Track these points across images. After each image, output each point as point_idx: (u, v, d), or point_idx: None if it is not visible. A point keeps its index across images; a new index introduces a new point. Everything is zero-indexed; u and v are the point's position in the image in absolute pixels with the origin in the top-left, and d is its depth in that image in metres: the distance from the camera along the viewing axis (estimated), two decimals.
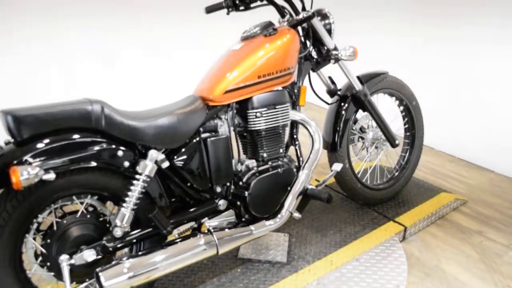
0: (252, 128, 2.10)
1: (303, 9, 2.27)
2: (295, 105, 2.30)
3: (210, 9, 2.38)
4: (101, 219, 1.85)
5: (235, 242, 2.01)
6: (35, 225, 1.73)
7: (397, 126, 2.83)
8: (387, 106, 2.81)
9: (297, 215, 2.20)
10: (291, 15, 2.28)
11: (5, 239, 1.63)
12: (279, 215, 2.16)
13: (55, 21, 3.53)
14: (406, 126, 2.89)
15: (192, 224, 2.03)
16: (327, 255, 2.34)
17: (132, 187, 1.78)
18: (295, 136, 2.34)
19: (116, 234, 1.78)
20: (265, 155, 2.16)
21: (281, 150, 2.22)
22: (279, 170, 2.17)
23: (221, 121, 2.07)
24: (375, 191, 2.76)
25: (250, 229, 2.06)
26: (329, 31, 2.35)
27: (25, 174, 1.49)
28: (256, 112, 2.08)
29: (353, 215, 2.69)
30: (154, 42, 4.08)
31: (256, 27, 2.19)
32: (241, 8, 2.31)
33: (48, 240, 1.74)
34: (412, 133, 2.89)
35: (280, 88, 2.17)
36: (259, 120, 2.09)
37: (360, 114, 2.66)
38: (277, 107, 2.14)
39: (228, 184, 2.09)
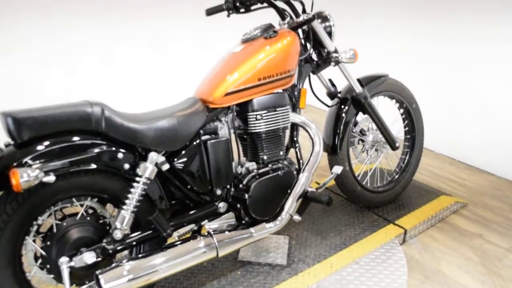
0: (252, 131, 2.10)
1: (304, 11, 2.27)
2: (295, 107, 2.30)
3: (210, 12, 2.38)
4: (101, 221, 1.85)
5: (235, 244, 2.01)
6: (35, 227, 1.72)
7: (397, 128, 2.84)
8: (388, 109, 2.81)
9: (297, 217, 2.20)
10: (291, 17, 2.28)
11: (5, 242, 1.62)
12: (279, 218, 2.16)
13: (54, 18, 3.52)
14: (406, 128, 2.89)
15: (192, 226, 2.02)
16: (327, 258, 2.33)
17: (132, 190, 1.78)
18: (295, 139, 2.34)
19: (116, 237, 1.78)
20: (265, 157, 2.16)
21: (281, 153, 2.22)
22: (279, 172, 2.17)
23: (221, 123, 2.07)
24: (375, 194, 2.76)
25: (250, 232, 2.06)
26: (330, 34, 2.36)
27: (25, 176, 1.49)
28: (256, 115, 2.08)
29: (353, 217, 2.69)
30: (156, 42, 4.09)
31: (257, 29, 2.19)
32: (242, 10, 2.32)
33: (48, 242, 1.74)
34: (412, 135, 2.89)
35: (280, 90, 2.16)
36: (260, 123, 2.09)
37: (360, 116, 2.66)
38: (277, 109, 2.14)
39: (228, 186, 2.09)
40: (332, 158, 2.57)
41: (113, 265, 1.77)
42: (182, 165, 1.93)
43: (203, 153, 1.98)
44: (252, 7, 2.30)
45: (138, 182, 1.78)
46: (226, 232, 2.01)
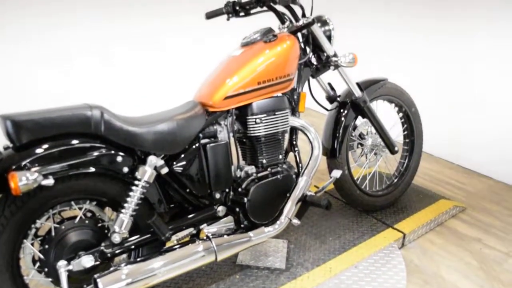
0: (252, 134, 2.10)
1: (303, 15, 2.27)
2: (294, 111, 2.30)
3: (210, 15, 2.38)
4: (99, 225, 1.84)
5: (233, 248, 2.00)
6: (33, 231, 1.72)
7: (396, 132, 2.84)
8: (387, 113, 2.82)
9: (296, 221, 2.20)
10: (291, 21, 2.28)
11: (3, 245, 1.62)
12: (278, 222, 2.15)
13: (54, 16, 3.53)
14: (405, 132, 2.89)
15: (191, 230, 2.02)
16: (326, 262, 2.33)
17: (131, 193, 1.78)
18: (294, 142, 2.34)
19: (114, 240, 1.77)
20: (264, 161, 2.16)
21: (280, 156, 2.21)
22: (278, 176, 2.17)
23: (220, 127, 2.07)
24: (374, 198, 2.75)
25: (249, 236, 2.06)
26: (329, 38, 2.36)
27: (23, 180, 1.49)
28: (255, 118, 2.08)
29: (352, 221, 2.69)
30: (155, 45, 4.09)
31: (256, 33, 2.19)
32: (241, 14, 2.32)
33: (46, 246, 1.74)
34: (411, 139, 2.89)
35: (279, 94, 2.17)
36: (259, 126, 2.09)
37: (360, 120, 2.66)
38: (276, 113, 2.14)
39: (227, 190, 2.09)
40: (331, 162, 2.57)
41: (112, 268, 1.76)
42: (181, 168, 1.92)
43: (202, 156, 1.98)
44: (252, 11, 2.30)
45: (137, 185, 1.78)
46: (225, 236, 2.01)
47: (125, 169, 1.76)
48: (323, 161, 2.40)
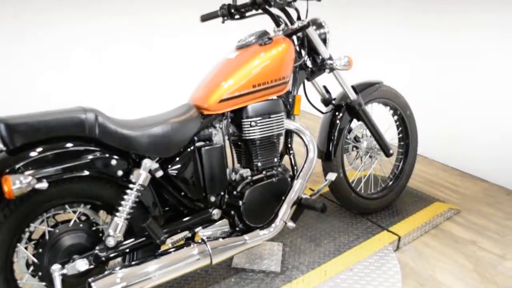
0: (247, 137, 2.10)
1: (298, 18, 2.27)
2: (289, 114, 2.30)
3: (205, 18, 2.38)
4: (94, 228, 1.83)
5: (229, 251, 2.00)
6: (26, 234, 1.71)
7: (391, 135, 2.85)
8: (382, 116, 2.82)
9: (291, 224, 2.20)
10: (286, 24, 2.28)
11: None
12: (273, 225, 2.15)
13: (47, 14, 3.51)
14: (400, 135, 2.90)
15: (186, 233, 2.01)
16: (321, 264, 2.33)
17: (125, 196, 1.77)
18: (289, 145, 2.34)
19: (108, 244, 1.76)
20: (259, 164, 2.16)
21: (275, 159, 2.21)
22: (274, 179, 2.16)
23: (215, 130, 2.07)
24: (369, 201, 2.76)
25: (244, 239, 2.05)
26: (324, 41, 2.36)
27: (17, 183, 1.48)
28: (250, 121, 2.08)
29: (347, 224, 2.69)
30: (150, 48, 4.08)
31: (251, 36, 2.19)
32: (236, 17, 2.32)
33: (40, 250, 1.72)
34: (406, 142, 2.90)
35: (275, 97, 2.16)
36: (254, 129, 2.09)
37: (355, 123, 2.66)
38: (271, 116, 2.14)
39: (222, 193, 2.08)
40: (326, 164, 2.57)
41: (106, 272, 1.75)
42: (176, 171, 1.92)
43: (197, 159, 1.97)
44: (247, 14, 2.30)
45: (131, 189, 1.77)
46: (220, 239, 2.00)
47: (120, 173, 1.75)
48: (318, 164, 2.40)
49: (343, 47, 2.85)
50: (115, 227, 1.76)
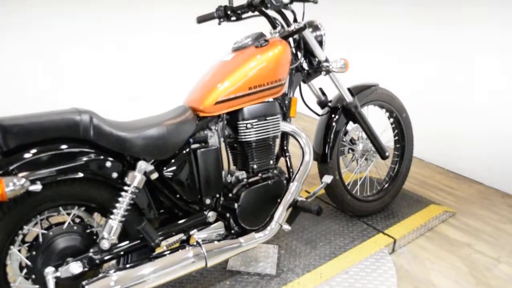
0: (243, 139, 2.09)
1: (295, 20, 2.27)
2: (285, 116, 2.29)
3: (201, 19, 2.37)
4: (88, 230, 1.82)
5: (224, 254, 1.99)
6: (20, 237, 1.70)
7: (387, 138, 2.84)
8: (378, 118, 2.82)
9: (287, 227, 2.19)
10: (282, 26, 2.27)
11: None
12: (268, 227, 2.14)
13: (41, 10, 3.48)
14: (396, 138, 2.90)
15: (181, 236, 2.00)
16: (317, 267, 2.32)
17: (120, 199, 1.76)
18: (285, 148, 2.33)
19: (103, 247, 1.75)
20: (255, 166, 2.15)
21: (271, 162, 2.21)
22: (269, 182, 2.16)
23: (211, 132, 2.06)
24: (365, 203, 2.75)
25: (239, 242, 2.04)
26: (320, 43, 2.36)
27: (10, 185, 1.47)
28: (246, 123, 2.07)
29: (342, 227, 2.69)
30: (146, 49, 4.07)
31: (248, 38, 2.18)
32: (233, 18, 2.31)
33: (34, 252, 1.71)
34: (402, 145, 2.90)
35: (271, 99, 2.16)
36: (250, 132, 2.08)
37: (351, 125, 2.66)
38: (267, 118, 2.13)
39: (217, 195, 2.07)
40: (322, 167, 2.57)
41: (100, 275, 1.74)
42: (171, 174, 1.91)
43: (192, 162, 1.96)
44: (243, 16, 2.29)
45: (126, 191, 1.76)
46: (215, 242, 1.99)
47: (114, 175, 1.74)
48: (314, 166, 2.40)
49: (338, 50, 2.84)
50: (109, 230, 1.75)
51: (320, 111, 2.63)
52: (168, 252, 1.90)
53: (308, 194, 2.32)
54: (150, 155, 1.84)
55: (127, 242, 1.85)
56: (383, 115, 2.85)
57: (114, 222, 1.75)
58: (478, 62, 3.31)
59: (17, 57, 3.44)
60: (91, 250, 1.77)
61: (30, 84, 3.52)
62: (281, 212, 2.18)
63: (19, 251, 1.71)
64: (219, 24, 2.35)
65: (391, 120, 2.86)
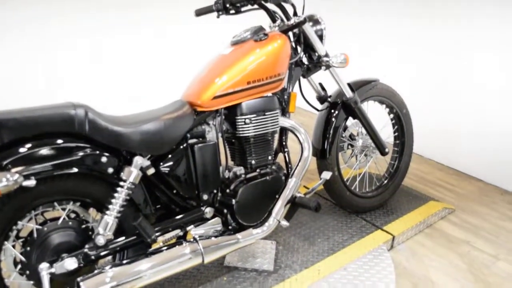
0: (241, 135, 2.07)
1: (295, 14, 2.24)
2: (284, 111, 2.27)
3: (199, 12, 2.34)
4: (83, 226, 1.80)
5: (221, 250, 1.97)
6: (14, 232, 1.67)
7: (387, 133, 2.82)
8: (378, 114, 2.80)
9: (285, 223, 2.17)
10: (282, 20, 2.24)
11: None
12: (266, 224, 2.12)
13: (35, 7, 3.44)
14: (396, 134, 2.88)
15: (178, 232, 1.98)
16: (315, 263, 2.30)
17: (116, 194, 1.74)
18: (284, 143, 2.31)
19: (98, 243, 1.73)
20: (253, 162, 2.13)
21: (269, 157, 2.18)
22: (267, 177, 2.14)
23: (209, 127, 2.03)
24: (364, 199, 2.74)
25: (236, 238, 2.02)
26: (321, 37, 2.33)
27: (4, 181, 1.44)
28: (245, 119, 2.04)
29: (341, 223, 2.67)
30: (144, 42, 4.03)
31: (247, 31, 2.15)
32: (232, 12, 2.28)
33: (28, 248, 1.69)
34: (401, 141, 2.88)
35: (270, 94, 2.13)
36: (248, 127, 2.06)
37: (350, 121, 2.63)
38: (266, 113, 2.11)
39: (215, 191, 2.05)
40: (321, 162, 2.55)
41: (96, 271, 1.72)
42: (168, 169, 1.88)
43: (189, 157, 1.94)
44: (243, 9, 2.26)
45: (122, 186, 1.74)
46: (212, 238, 1.97)
47: (110, 170, 1.72)
48: (313, 161, 2.37)
49: (339, 45, 2.81)
50: (105, 226, 1.73)
51: (319, 106, 2.61)
52: (165, 248, 1.88)
53: (306, 190, 2.30)
54: (147, 150, 1.81)
55: (123, 238, 1.83)
56: (383, 111, 2.82)
57: (110, 218, 1.73)
58: (479, 58, 3.29)
59: (16, 55, 3.40)
60: (87, 246, 1.74)
61: (28, 81, 3.49)
62: (279, 208, 2.16)
63: (14, 246, 1.68)
64: (218, 17, 2.31)
65: (391, 115, 2.83)
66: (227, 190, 2.07)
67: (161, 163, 1.87)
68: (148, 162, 1.79)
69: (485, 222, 2.84)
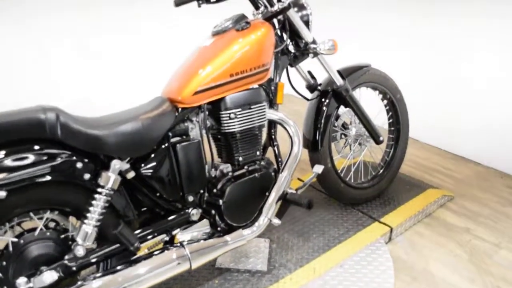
0: (226, 130, 1.96)
1: (279, 0, 2.11)
2: (272, 103, 2.15)
3: (179, 2, 2.20)
4: (62, 236, 1.69)
5: (209, 255, 1.88)
6: None
7: (381, 120, 2.71)
8: (371, 100, 2.69)
9: (276, 221, 2.07)
10: (265, 6, 2.12)
11: None
12: (256, 223, 2.03)
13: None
14: (391, 120, 2.77)
15: (163, 236, 1.88)
16: (310, 261, 2.21)
17: (94, 202, 1.63)
18: (273, 137, 2.20)
19: (77, 253, 1.63)
20: (240, 158, 2.02)
21: (258, 153, 2.08)
22: (256, 174, 2.03)
23: (192, 124, 1.92)
24: (359, 190, 2.64)
25: (225, 240, 1.93)
26: (307, 23, 2.20)
27: None
28: (229, 113, 1.93)
29: (336, 216, 2.57)
30: (120, 34, 3.85)
31: (228, 20, 2.03)
32: (213, 0, 2.15)
33: (4, 262, 1.58)
34: (397, 128, 2.77)
35: (255, 86, 2.02)
36: (233, 122, 1.94)
37: (342, 109, 2.53)
38: (252, 107, 1.99)
39: (201, 191, 1.95)
40: (313, 154, 2.44)
41: (78, 283, 1.64)
42: (150, 171, 1.78)
43: (172, 157, 1.83)
44: None
45: (100, 193, 1.63)
46: (200, 242, 1.88)
47: (86, 176, 1.61)
48: (305, 152, 2.27)
49: (328, 30, 2.69)
50: (83, 236, 1.62)
51: (309, 95, 2.50)
52: (150, 255, 1.79)
53: (299, 185, 2.20)
54: (125, 153, 1.70)
55: (105, 246, 1.73)
56: (376, 97, 2.71)
57: (89, 227, 1.63)
58: (477, 39, 3.17)
59: (10, 51, 3.27)
60: (66, 257, 1.65)
61: (20, 78, 3.35)
62: (269, 206, 2.06)
63: None
64: (199, 6, 2.18)
65: (385, 102, 2.72)
66: (214, 190, 1.96)
67: (142, 165, 1.76)
68: (127, 166, 1.69)
69: (486, 208, 2.75)
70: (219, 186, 1.96)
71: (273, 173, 2.10)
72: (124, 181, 1.71)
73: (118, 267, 1.72)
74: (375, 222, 2.51)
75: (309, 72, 2.44)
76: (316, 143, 2.40)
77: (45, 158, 1.53)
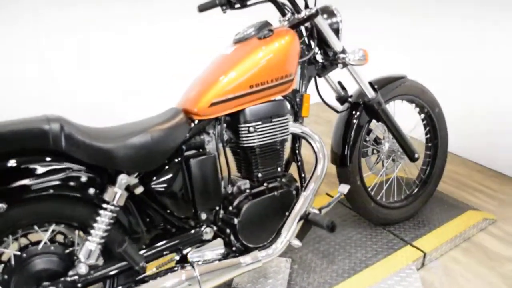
0: (245, 145, 1.83)
1: (306, 6, 1.98)
2: (297, 116, 2.02)
3: (203, 8, 2.11)
4: (67, 251, 1.62)
5: (221, 277, 1.76)
6: None
7: (418, 134, 2.52)
8: (406, 114, 2.50)
9: (297, 243, 1.93)
10: (292, 13, 1.99)
11: None
12: (274, 245, 1.89)
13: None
14: (428, 136, 2.57)
15: (174, 255, 1.78)
16: (332, 286, 2.06)
17: (98, 218, 1.55)
18: (297, 151, 2.07)
19: (79, 271, 1.55)
20: (260, 174, 1.89)
21: (279, 169, 1.95)
22: (276, 192, 1.90)
23: (208, 136, 1.81)
24: (391, 210, 2.46)
25: (239, 262, 1.81)
26: (336, 31, 2.06)
27: None
28: (248, 127, 1.81)
29: (365, 237, 2.40)
30: (141, 43, 3.77)
31: (250, 27, 1.91)
32: (237, 6, 2.03)
33: (5, 276, 1.52)
34: (434, 143, 2.57)
35: (279, 97, 1.89)
36: (253, 136, 1.82)
37: (375, 123, 2.36)
38: (274, 120, 1.87)
39: (216, 208, 1.83)
40: (341, 170, 2.29)
41: None
42: (160, 186, 1.68)
43: (185, 172, 1.73)
44: (248, 2, 2.01)
45: (105, 209, 1.55)
46: (212, 263, 1.76)
47: (91, 191, 1.53)
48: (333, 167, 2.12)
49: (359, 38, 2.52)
50: (86, 253, 1.54)
51: (339, 107, 2.34)
52: (158, 275, 1.69)
53: (328, 200, 2.04)
54: (134, 167, 1.61)
55: (111, 263, 1.64)
56: (413, 109, 2.52)
57: (92, 245, 1.54)
58: None
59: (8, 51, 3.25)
60: (70, 273, 1.57)
61: (20, 78, 3.32)
62: (289, 227, 1.92)
63: None
64: (224, 12, 2.08)
65: (422, 116, 2.54)
66: (230, 207, 1.85)
67: (152, 180, 1.67)
68: (135, 180, 1.60)
69: None
70: (235, 203, 1.85)
71: (294, 192, 1.97)
72: (133, 195, 1.62)
73: (125, 286, 1.64)
74: (407, 245, 2.32)
75: (339, 83, 2.30)
76: (345, 158, 2.24)
77: (47, 170, 1.46)
